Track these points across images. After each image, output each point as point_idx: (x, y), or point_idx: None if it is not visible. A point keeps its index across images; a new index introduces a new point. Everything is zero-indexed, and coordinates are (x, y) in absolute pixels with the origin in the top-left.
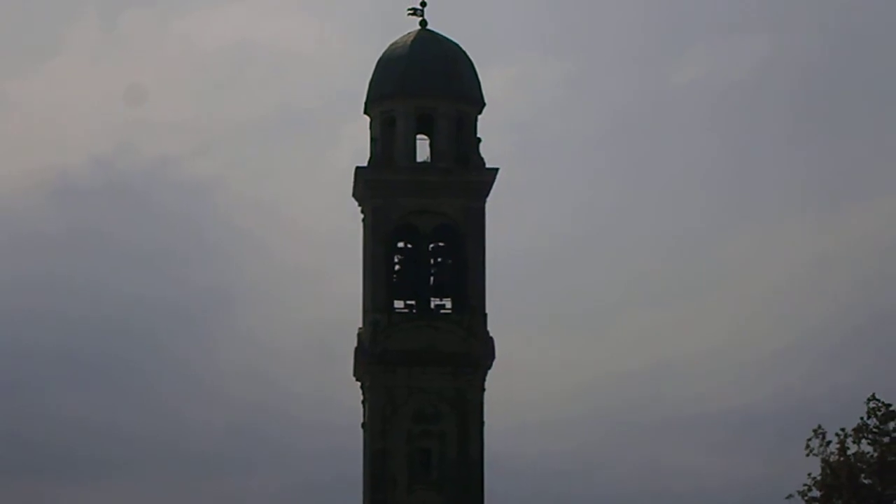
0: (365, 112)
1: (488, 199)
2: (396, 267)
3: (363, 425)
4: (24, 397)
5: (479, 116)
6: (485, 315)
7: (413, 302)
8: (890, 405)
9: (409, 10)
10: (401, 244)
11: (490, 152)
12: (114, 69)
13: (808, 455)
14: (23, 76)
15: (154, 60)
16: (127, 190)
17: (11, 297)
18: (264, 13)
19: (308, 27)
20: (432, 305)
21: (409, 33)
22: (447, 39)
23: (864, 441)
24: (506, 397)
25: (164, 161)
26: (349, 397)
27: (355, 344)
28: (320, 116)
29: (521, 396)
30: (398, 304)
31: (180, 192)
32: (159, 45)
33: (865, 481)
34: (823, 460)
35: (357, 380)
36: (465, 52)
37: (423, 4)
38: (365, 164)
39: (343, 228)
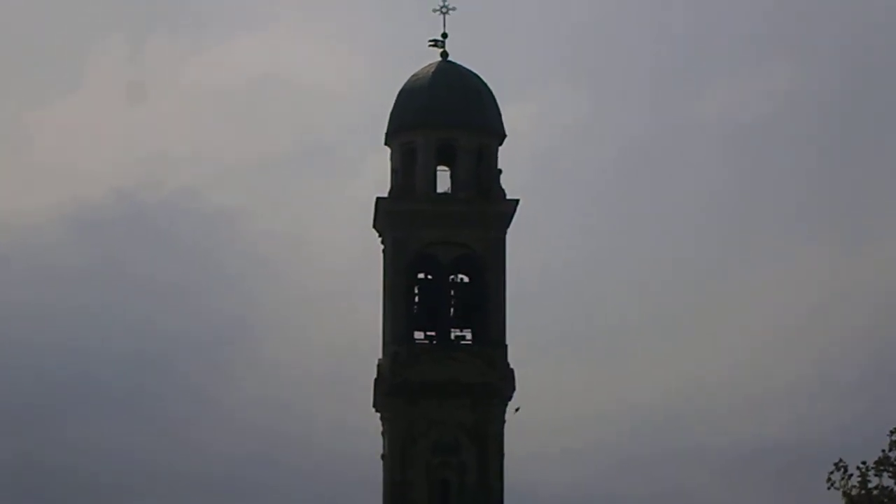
0: (386, 143)
1: (509, 230)
2: (416, 298)
3: (382, 456)
4: (44, 426)
5: (500, 147)
6: (505, 346)
7: (433, 333)
8: None
9: (431, 41)
10: (421, 275)
11: (510, 183)
12: (136, 101)
13: (829, 488)
14: (44, 107)
15: (177, 92)
16: (148, 222)
17: (32, 327)
18: (288, 45)
19: (331, 59)
20: (452, 337)
21: (430, 64)
22: (468, 71)
23: (885, 474)
24: (527, 428)
25: (186, 192)
26: (370, 427)
27: (375, 375)
28: (342, 148)
29: (542, 427)
30: (418, 335)
31: (201, 223)
32: (182, 76)
33: None
34: (845, 493)
35: (377, 411)
36: (485, 84)
37: (445, 36)
38: (385, 194)
39: (364, 259)
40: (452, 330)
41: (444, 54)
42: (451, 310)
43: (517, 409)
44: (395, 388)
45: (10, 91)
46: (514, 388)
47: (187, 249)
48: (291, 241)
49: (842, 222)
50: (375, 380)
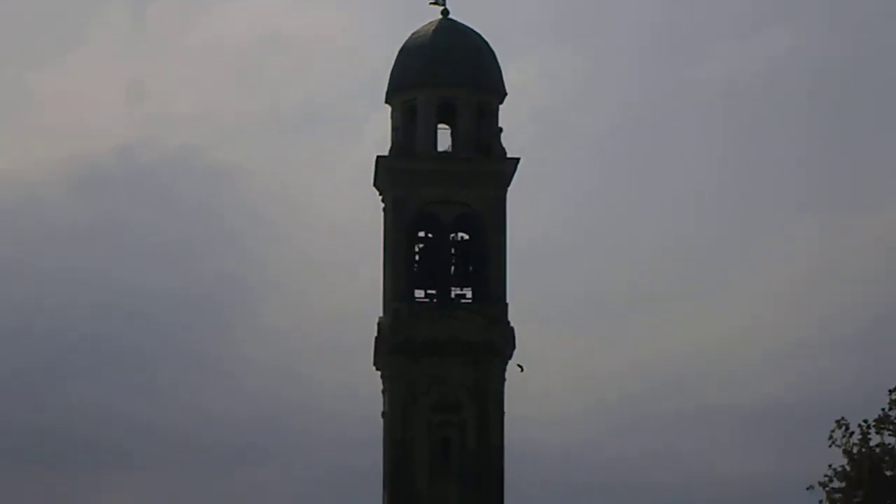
0: (386, 101)
1: (509, 188)
2: (417, 256)
3: (383, 414)
4: (42, 387)
5: (501, 106)
6: (506, 305)
7: (434, 291)
8: None
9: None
10: (421, 233)
11: (511, 142)
12: (139, 60)
13: (830, 446)
14: (47, 67)
15: (179, 51)
16: (150, 180)
17: (34, 286)
18: (289, 4)
19: (333, 17)
20: (453, 295)
21: (430, 22)
22: (469, 29)
23: (886, 432)
24: (526, 387)
25: (188, 151)
26: (370, 387)
27: (375, 333)
28: (344, 107)
29: (542, 386)
30: (419, 293)
31: (203, 182)
32: (185, 35)
33: (888, 473)
34: (845, 451)
35: (377, 369)
36: (486, 42)
37: None
38: (386, 153)
39: (365, 219)
40: (453, 288)
41: (445, 12)
42: (452, 268)
43: (521, 369)
44: (395, 347)
45: (13, 51)
46: (514, 347)
47: (188, 208)
48: (293, 200)
49: (842, 186)
50: (376, 338)
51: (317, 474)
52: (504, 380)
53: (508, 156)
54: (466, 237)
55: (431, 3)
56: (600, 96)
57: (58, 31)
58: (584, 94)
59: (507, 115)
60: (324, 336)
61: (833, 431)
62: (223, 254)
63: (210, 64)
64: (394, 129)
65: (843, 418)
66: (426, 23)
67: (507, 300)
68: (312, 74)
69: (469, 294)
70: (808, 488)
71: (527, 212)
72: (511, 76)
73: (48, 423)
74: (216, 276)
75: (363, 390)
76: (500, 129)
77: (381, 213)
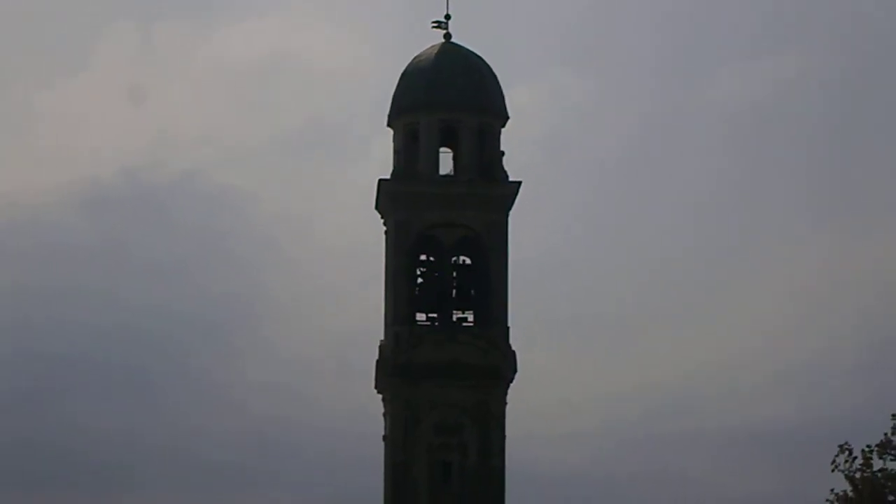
0: (389, 124)
1: (511, 212)
2: (418, 280)
3: (384, 437)
4: (46, 406)
5: (503, 129)
6: (507, 328)
7: (435, 315)
8: None
9: (434, 22)
10: (423, 257)
11: (513, 165)
12: (144, 83)
13: (833, 471)
14: (53, 87)
15: (185, 73)
16: (155, 202)
17: (38, 306)
18: (294, 27)
19: (337, 41)
20: (454, 318)
21: (433, 46)
22: (471, 52)
23: (888, 457)
24: (527, 409)
25: (192, 173)
26: (372, 408)
27: (377, 356)
28: (347, 129)
29: (543, 408)
30: (420, 316)
31: (207, 204)
32: (190, 58)
33: (890, 498)
34: (848, 476)
35: (378, 392)
36: (488, 65)
37: (448, 17)
38: (388, 176)
39: (368, 241)
40: (454, 312)
41: (448, 35)
42: (454, 291)
43: None
44: (397, 370)
45: (20, 73)
46: (515, 370)
47: (192, 229)
48: (297, 223)
49: (847, 207)
50: (377, 361)
51: (319, 495)
52: (505, 403)
53: (510, 179)
54: (468, 260)
55: (434, 27)
56: (604, 119)
57: (63, 53)
58: (588, 117)
59: (510, 138)
60: (327, 358)
61: (836, 456)
62: (226, 275)
63: (214, 86)
64: (396, 152)
65: (846, 443)
66: (429, 46)
67: (509, 323)
68: (316, 97)
69: (470, 317)
70: None
71: (529, 235)
72: (513, 99)
73: (51, 442)
74: (219, 298)
75: (366, 412)
76: (502, 153)
77: (383, 236)
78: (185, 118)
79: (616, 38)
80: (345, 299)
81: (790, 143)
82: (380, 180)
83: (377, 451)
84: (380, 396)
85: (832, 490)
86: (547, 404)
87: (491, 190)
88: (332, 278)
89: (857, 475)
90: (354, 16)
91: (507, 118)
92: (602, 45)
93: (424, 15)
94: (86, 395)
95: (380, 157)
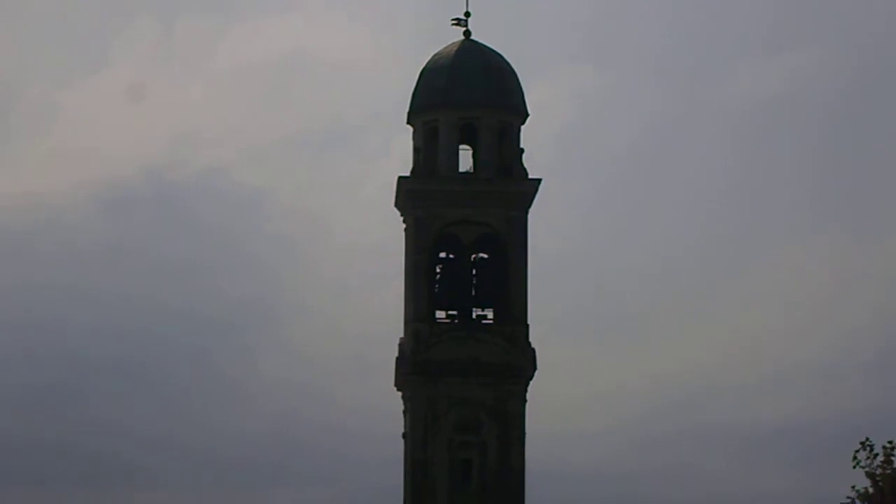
0: (408, 122)
1: (531, 209)
2: (438, 277)
3: (404, 435)
4: (68, 406)
5: (523, 127)
6: (527, 326)
7: (455, 312)
8: None
9: (453, 20)
10: (443, 254)
11: (533, 163)
12: (165, 80)
13: (854, 467)
14: (74, 86)
15: (205, 71)
16: (175, 201)
17: (60, 306)
18: (314, 25)
19: (357, 38)
20: (474, 316)
21: (452, 43)
22: (491, 50)
23: None
24: (547, 406)
25: (213, 172)
26: (391, 407)
27: (396, 354)
28: (369, 127)
29: (563, 405)
30: (440, 314)
31: (228, 203)
32: (211, 55)
33: None
34: (868, 473)
35: (398, 390)
36: (508, 63)
37: (468, 15)
38: (408, 174)
39: (389, 239)
40: (474, 309)
41: (467, 33)
42: (473, 289)
43: None
44: (416, 367)
45: (40, 72)
46: (535, 368)
47: (213, 229)
48: (317, 221)
49: (860, 205)
50: (397, 359)
51: (339, 493)
52: (525, 401)
53: (530, 176)
54: (487, 258)
55: (454, 24)
56: (622, 116)
57: (84, 51)
58: (606, 114)
59: (529, 135)
60: (346, 356)
61: (857, 452)
62: (245, 274)
63: (234, 85)
64: (415, 149)
65: (867, 439)
66: (448, 43)
67: (528, 321)
68: (336, 95)
69: (490, 315)
70: None
71: (548, 232)
72: (533, 97)
73: (70, 441)
74: (239, 296)
75: (385, 410)
76: (522, 150)
77: (403, 234)
78: (204, 117)
79: (633, 34)
80: (364, 297)
81: (803, 141)
82: (399, 178)
83: (397, 449)
84: (399, 394)
85: (853, 487)
86: (566, 401)
87: (510, 187)
88: (352, 276)
89: (878, 472)
90: (374, 13)
91: (527, 115)
92: (620, 42)
93: (444, 12)
94: (105, 394)
95: (399, 155)
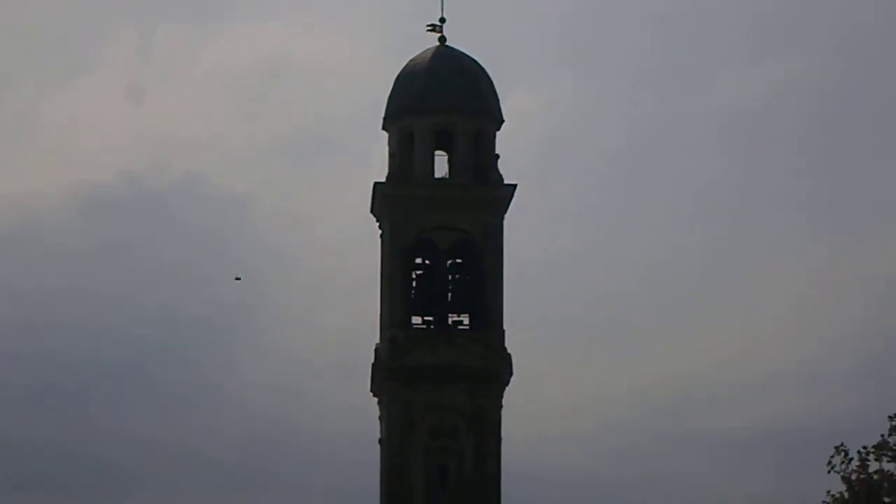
0: (384, 128)
1: (506, 215)
2: (414, 283)
3: (380, 441)
4: (48, 408)
5: (498, 133)
6: (502, 331)
7: (431, 318)
8: None
9: (429, 26)
10: (418, 260)
11: (508, 169)
12: (146, 86)
13: (829, 472)
14: (56, 91)
15: (187, 77)
16: (156, 205)
17: (42, 309)
18: (295, 32)
19: (336, 44)
20: (450, 321)
21: (427, 49)
22: (466, 55)
23: (885, 459)
24: (524, 412)
25: (194, 177)
26: (370, 410)
27: (373, 360)
28: (349, 133)
29: (539, 411)
30: (416, 319)
31: (209, 207)
32: (193, 61)
33: (886, 500)
34: (844, 478)
35: (374, 395)
36: (483, 69)
37: (443, 21)
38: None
39: (367, 243)
40: (450, 315)
41: (442, 39)
42: (449, 294)
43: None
44: (392, 373)
45: (24, 76)
46: (511, 373)
47: (194, 233)
48: (298, 225)
49: (845, 212)
50: (373, 364)
51: (317, 496)
52: (501, 406)
53: (506, 182)
54: (463, 263)
55: (429, 30)
56: (600, 123)
57: (66, 56)
58: (584, 120)
59: (505, 141)
60: (326, 359)
61: (832, 457)
62: (227, 277)
63: (216, 90)
64: (391, 155)
65: (842, 444)
66: (423, 49)
67: (504, 326)
68: (316, 101)
69: (466, 320)
70: None
71: (524, 238)
72: (508, 102)
73: (52, 442)
74: (221, 300)
75: (364, 413)
76: (497, 156)
77: (379, 239)
78: (186, 121)
79: (612, 41)
80: (344, 301)
81: (787, 147)
82: (375, 183)
83: (375, 452)
84: (375, 399)
85: (828, 492)
86: (543, 407)
87: (486, 193)
88: (332, 280)
89: (854, 476)
90: (352, 20)
91: (503, 121)
92: (598, 49)
93: (419, 18)
94: (85, 397)
95: (378, 161)
